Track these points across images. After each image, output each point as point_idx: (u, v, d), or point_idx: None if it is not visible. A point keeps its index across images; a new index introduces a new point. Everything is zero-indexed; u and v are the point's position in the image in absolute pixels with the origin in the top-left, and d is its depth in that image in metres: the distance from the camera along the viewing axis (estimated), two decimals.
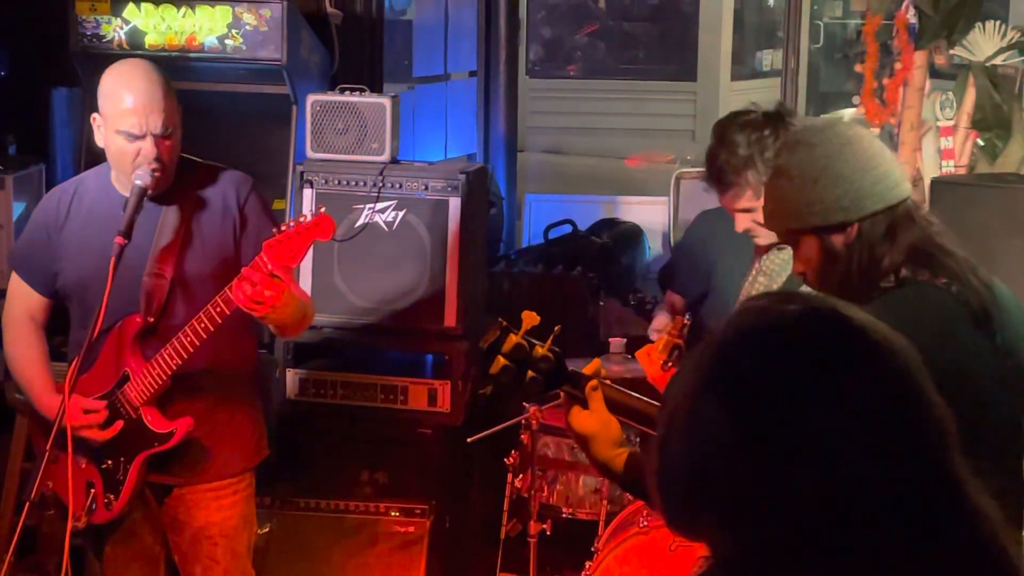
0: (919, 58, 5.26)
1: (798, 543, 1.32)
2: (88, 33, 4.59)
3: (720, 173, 3.39)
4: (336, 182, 4.45)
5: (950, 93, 5.42)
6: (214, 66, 4.60)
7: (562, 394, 2.28)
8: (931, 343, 1.74)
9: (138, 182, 3.27)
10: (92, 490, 3.43)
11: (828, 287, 2.46)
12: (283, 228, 3.14)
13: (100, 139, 3.36)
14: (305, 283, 4.36)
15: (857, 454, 1.31)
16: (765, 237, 3.34)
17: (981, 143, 5.43)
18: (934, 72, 5.43)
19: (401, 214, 4.41)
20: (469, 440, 4.06)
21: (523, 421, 3.99)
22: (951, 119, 5.40)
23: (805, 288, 2.57)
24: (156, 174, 3.30)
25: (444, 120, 7.24)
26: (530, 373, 2.23)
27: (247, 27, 4.52)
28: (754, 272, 3.52)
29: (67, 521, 3.34)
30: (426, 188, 4.41)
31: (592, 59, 11.92)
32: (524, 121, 8.21)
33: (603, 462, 2.26)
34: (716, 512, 1.37)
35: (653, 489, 1.44)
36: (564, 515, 4.12)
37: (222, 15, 4.54)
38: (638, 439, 3.26)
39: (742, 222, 3.41)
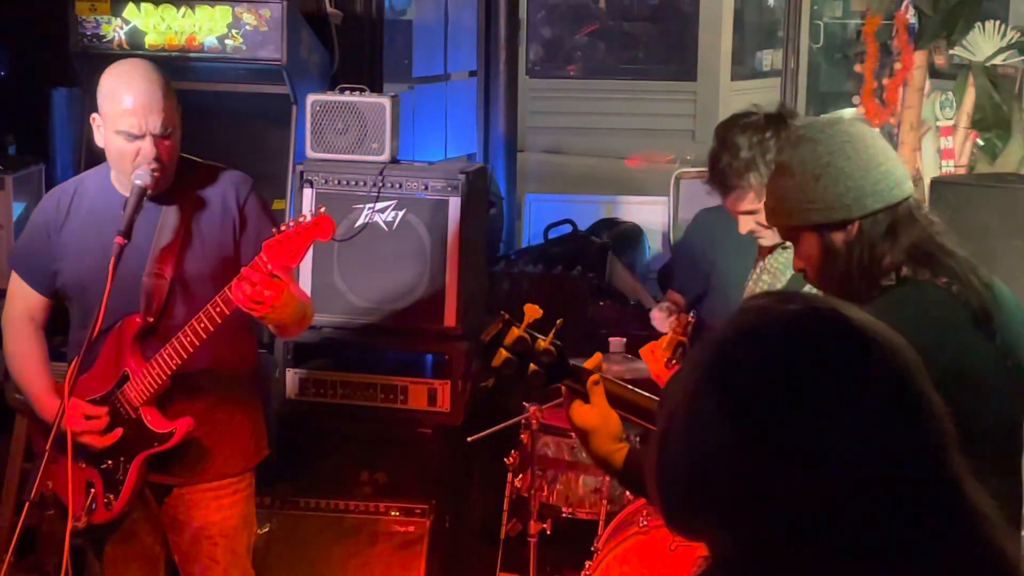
0: (919, 58, 5.27)
1: (797, 543, 1.32)
2: (88, 33, 4.59)
3: (722, 176, 3.39)
4: (336, 182, 4.45)
5: (950, 93, 5.43)
6: (214, 66, 4.60)
7: (563, 388, 2.28)
8: (931, 343, 1.74)
9: (138, 182, 3.27)
10: (92, 490, 3.43)
11: (828, 284, 2.47)
12: (283, 228, 3.14)
13: (100, 139, 3.36)
14: (305, 283, 4.36)
15: (856, 454, 1.31)
16: (769, 238, 3.34)
17: (981, 143, 5.44)
18: (934, 72, 5.44)
19: (401, 214, 4.41)
20: (469, 440, 4.06)
21: (523, 421, 3.99)
22: (951, 119, 5.40)
23: (809, 288, 2.57)
24: (156, 174, 3.30)
25: (444, 120, 7.25)
26: (532, 366, 2.23)
27: (247, 27, 4.52)
28: (758, 270, 3.52)
29: (67, 521, 3.34)
30: (426, 188, 4.41)
31: (592, 59, 11.91)
32: (524, 121, 8.21)
33: (603, 457, 2.27)
34: (715, 512, 1.37)
35: (652, 488, 1.44)
36: (564, 515, 4.12)
37: (222, 15, 4.54)
38: (638, 438, 3.26)
39: (745, 224, 3.40)
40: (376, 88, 5.13)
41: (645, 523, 3.63)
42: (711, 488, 1.36)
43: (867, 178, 2.40)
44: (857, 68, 5.51)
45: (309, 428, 4.51)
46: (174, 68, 3.94)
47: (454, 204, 4.39)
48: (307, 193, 4.44)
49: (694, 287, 4.01)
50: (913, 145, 5.32)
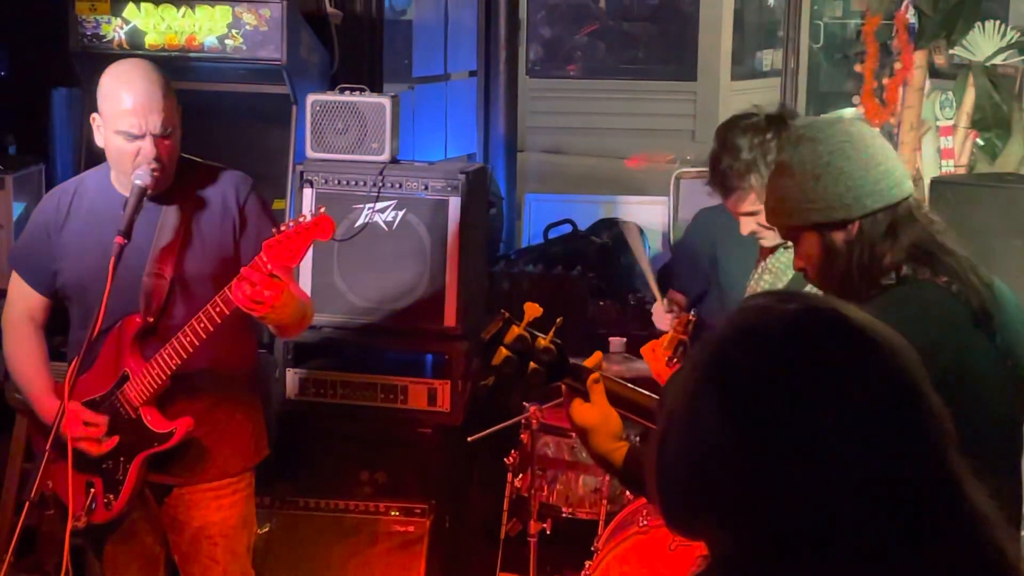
0: (919, 58, 5.27)
1: (796, 542, 1.32)
2: (88, 33, 4.59)
3: (724, 178, 3.39)
4: (336, 182, 4.45)
5: (950, 93, 5.43)
6: (214, 66, 4.60)
7: (563, 386, 2.28)
8: (931, 342, 1.75)
9: (137, 182, 3.27)
10: (92, 490, 3.43)
11: (828, 284, 2.47)
12: (283, 228, 3.14)
13: (100, 139, 3.36)
14: (305, 283, 4.36)
15: (856, 453, 1.31)
16: (771, 239, 3.34)
17: (981, 143, 5.44)
18: (934, 72, 5.44)
19: (401, 214, 4.41)
20: (469, 440, 4.06)
21: (523, 420, 3.99)
22: (951, 119, 5.40)
23: (810, 288, 2.57)
24: (155, 174, 3.30)
25: (444, 120, 7.25)
26: (532, 365, 2.23)
27: (247, 27, 4.52)
28: (759, 270, 3.52)
29: (67, 521, 3.34)
30: (426, 188, 4.41)
31: (592, 59, 11.92)
32: (524, 121, 8.21)
33: (603, 455, 2.27)
34: (714, 511, 1.37)
35: (652, 487, 1.44)
36: (564, 515, 4.12)
37: (222, 15, 4.54)
38: (638, 437, 3.26)
39: (747, 225, 3.40)
40: (376, 88, 5.13)
41: (645, 523, 3.63)
42: (710, 487, 1.36)
43: (867, 177, 2.40)
44: (857, 68, 5.51)
45: (309, 428, 4.51)
46: (174, 68, 3.94)
47: (454, 204, 4.39)
48: (307, 193, 4.44)
49: (695, 287, 4.01)
50: (913, 145, 5.32)
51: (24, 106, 5.04)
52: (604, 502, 3.96)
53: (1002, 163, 5.40)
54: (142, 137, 3.28)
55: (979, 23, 5.38)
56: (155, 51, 4.50)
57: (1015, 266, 4.08)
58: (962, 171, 5.36)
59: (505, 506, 4.07)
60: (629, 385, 2.31)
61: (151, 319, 3.37)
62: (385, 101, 4.50)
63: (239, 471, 3.57)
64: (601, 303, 5.65)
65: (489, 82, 6.46)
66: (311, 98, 4.50)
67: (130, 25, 4.58)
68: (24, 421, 4.27)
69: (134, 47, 4.53)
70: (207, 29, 4.55)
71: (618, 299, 5.82)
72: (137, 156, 3.29)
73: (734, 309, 1.45)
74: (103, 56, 4.25)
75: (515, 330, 2.22)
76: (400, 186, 4.41)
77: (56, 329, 3.63)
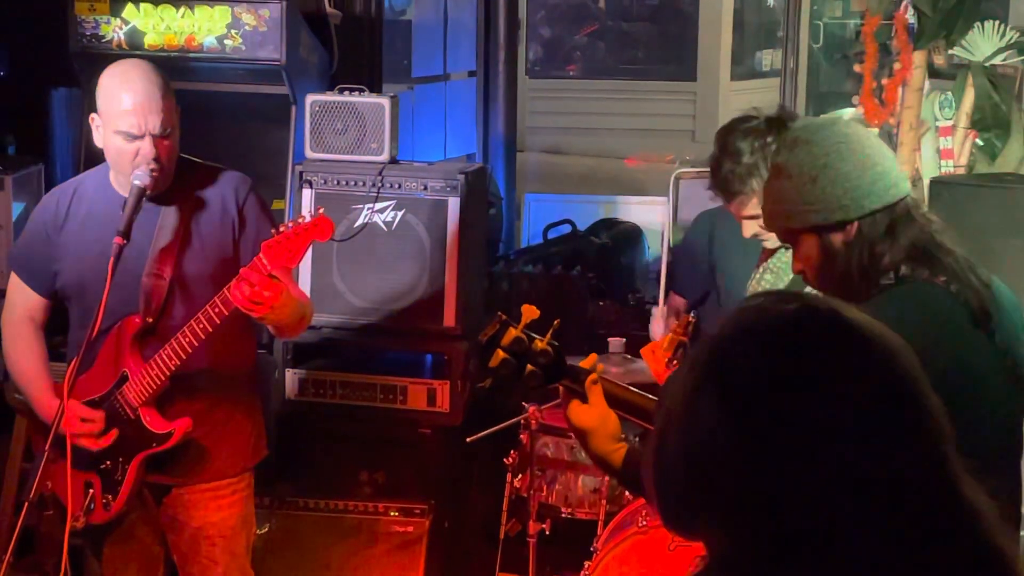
0: (918, 58, 5.27)
1: (795, 542, 1.31)
2: (87, 33, 4.59)
3: (725, 182, 3.38)
4: (335, 182, 4.45)
5: (949, 93, 5.43)
6: (213, 66, 4.60)
7: (561, 388, 2.28)
8: (930, 342, 1.74)
9: (137, 182, 3.27)
10: (91, 490, 3.43)
11: (827, 286, 2.46)
12: (282, 229, 3.14)
13: (99, 139, 3.36)
14: (304, 283, 4.36)
15: (854, 453, 1.31)
16: (774, 240, 3.33)
17: (980, 143, 5.44)
18: (933, 72, 5.44)
19: (400, 214, 4.41)
20: (468, 440, 4.06)
21: (522, 421, 3.99)
22: (950, 119, 5.40)
23: (810, 288, 2.57)
24: (155, 174, 3.29)
25: (443, 120, 7.25)
26: (529, 367, 2.23)
27: (246, 27, 4.52)
28: (761, 270, 3.52)
29: (66, 521, 3.34)
30: (425, 188, 4.41)
31: (592, 59, 11.93)
32: (524, 121, 8.22)
33: (601, 456, 2.27)
34: (713, 511, 1.37)
35: (650, 487, 1.44)
36: (563, 515, 4.12)
37: (221, 15, 4.54)
38: (636, 438, 3.26)
39: (749, 228, 3.40)
40: (375, 88, 5.13)
41: (644, 523, 3.62)
42: (709, 487, 1.36)
43: (864, 178, 2.40)
44: (857, 68, 5.51)
45: (309, 428, 4.51)
46: (173, 68, 3.93)
47: (453, 204, 4.39)
48: (306, 193, 4.44)
49: (695, 289, 4.01)
50: (912, 145, 5.33)
51: (24, 106, 5.04)
52: (603, 502, 3.96)
53: (1001, 163, 5.41)
54: (141, 137, 3.28)
55: (978, 23, 5.38)
56: (154, 51, 4.50)
57: (1015, 266, 4.09)
58: (961, 171, 5.37)
59: (504, 506, 4.07)
60: (627, 387, 2.31)
61: (150, 319, 3.37)
62: (384, 101, 4.50)
63: (238, 471, 3.57)
64: (601, 303, 5.65)
65: (488, 82, 6.46)
66: (310, 98, 4.50)
67: (129, 25, 4.58)
68: (24, 421, 4.27)
69: (133, 47, 4.53)
70: (206, 29, 4.55)
71: (618, 299, 5.82)
72: (136, 156, 3.29)
73: (733, 309, 1.45)
74: (102, 56, 4.25)
75: (512, 332, 2.22)
76: (399, 186, 4.41)
77: (56, 329, 3.63)
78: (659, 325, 3.98)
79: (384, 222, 4.41)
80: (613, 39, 11.89)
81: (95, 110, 3.36)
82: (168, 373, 3.32)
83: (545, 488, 4.11)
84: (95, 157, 3.59)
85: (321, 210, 3.19)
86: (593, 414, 2.26)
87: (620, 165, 10.12)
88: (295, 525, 4.37)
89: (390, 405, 4.41)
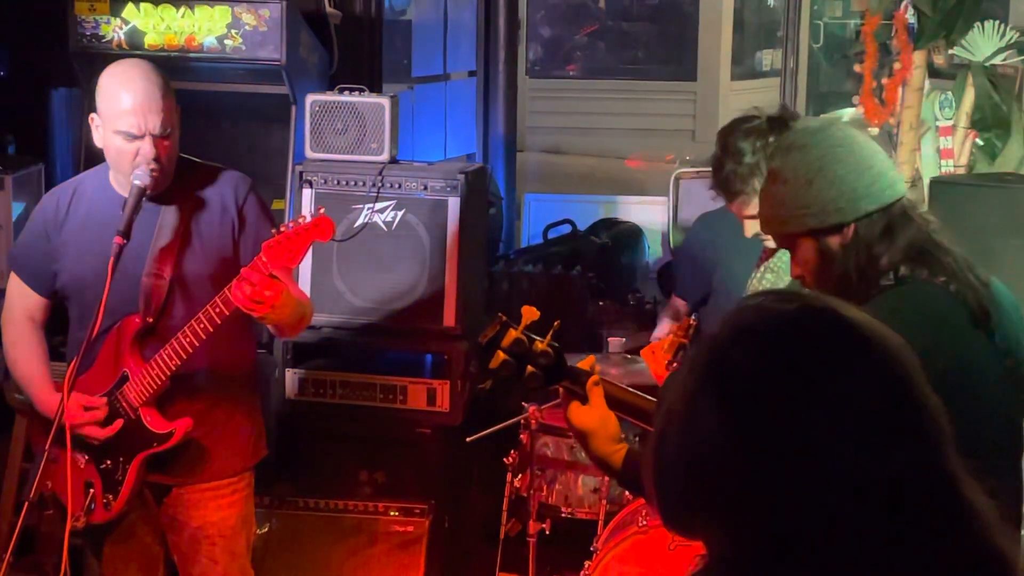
0: (918, 58, 5.27)
1: (795, 543, 1.31)
2: (87, 33, 4.59)
3: (727, 182, 3.39)
4: (335, 182, 4.45)
5: (949, 93, 5.43)
6: (213, 66, 4.60)
7: (561, 389, 2.28)
8: (929, 342, 1.74)
9: (136, 182, 3.27)
10: (91, 490, 3.43)
11: (826, 289, 2.46)
12: (282, 229, 3.14)
13: (99, 139, 3.36)
14: (304, 283, 4.36)
15: (853, 453, 1.31)
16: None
17: (980, 143, 5.44)
18: (933, 72, 5.44)
19: (400, 214, 4.41)
20: (468, 440, 4.06)
21: (522, 421, 3.99)
22: (950, 119, 5.40)
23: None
24: (154, 174, 3.29)
25: (443, 120, 7.25)
26: (529, 368, 2.23)
27: (246, 27, 4.52)
28: (761, 269, 3.52)
29: (66, 521, 3.34)
30: (425, 188, 4.41)
31: (592, 59, 11.93)
32: (524, 121, 8.23)
33: (602, 458, 2.27)
34: (713, 511, 1.37)
35: (650, 488, 1.44)
36: (563, 515, 4.12)
37: (221, 15, 4.54)
38: (636, 438, 3.26)
39: (751, 228, 3.40)
40: (375, 88, 5.13)
41: (644, 523, 3.62)
42: (709, 487, 1.36)
43: (860, 180, 2.39)
44: (857, 68, 5.52)
45: (309, 428, 4.51)
46: (173, 68, 3.93)
47: (453, 204, 4.39)
48: (306, 193, 4.44)
49: (697, 292, 4.01)
50: (912, 145, 5.33)
51: (23, 106, 5.04)
52: (603, 502, 3.96)
53: (1001, 163, 5.41)
54: (141, 137, 3.27)
55: (978, 23, 5.38)
56: (154, 51, 4.50)
57: (1015, 266, 4.09)
58: (961, 171, 5.37)
59: (504, 506, 4.07)
60: (628, 388, 2.31)
61: (150, 319, 3.37)
62: (384, 101, 4.50)
63: (238, 471, 3.57)
64: (601, 303, 5.66)
65: (489, 82, 6.46)
66: (310, 98, 4.50)
67: (129, 25, 4.58)
68: (24, 421, 4.27)
69: (133, 47, 4.53)
70: (206, 29, 4.55)
71: (618, 299, 5.83)
72: (136, 156, 3.28)
73: (732, 309, 1.45)
74: (102, 56, 4.25)
75: (512, 334, 2.22)
76: (399, 186, 4.41)
77: (56, 329, 3.63)
78: (664, 329, 3.98)
79: (384, 222, 4.41)
80: (613, 39, 11.89)
81: (95, 110, 3.36)
82: (168, 373, 3.32)
83: (545, 488, 4.11)
84: (95, 157, 3.59)
85: (322, 210, 3.19)
86: (593, 415, 2.26)
87: (620, 165, 10.12)
88: (295, 525, 4.37)
89: (390, 405, 4.41)
